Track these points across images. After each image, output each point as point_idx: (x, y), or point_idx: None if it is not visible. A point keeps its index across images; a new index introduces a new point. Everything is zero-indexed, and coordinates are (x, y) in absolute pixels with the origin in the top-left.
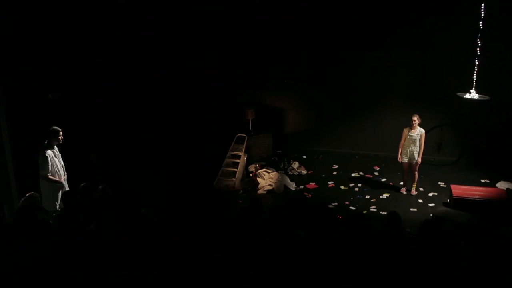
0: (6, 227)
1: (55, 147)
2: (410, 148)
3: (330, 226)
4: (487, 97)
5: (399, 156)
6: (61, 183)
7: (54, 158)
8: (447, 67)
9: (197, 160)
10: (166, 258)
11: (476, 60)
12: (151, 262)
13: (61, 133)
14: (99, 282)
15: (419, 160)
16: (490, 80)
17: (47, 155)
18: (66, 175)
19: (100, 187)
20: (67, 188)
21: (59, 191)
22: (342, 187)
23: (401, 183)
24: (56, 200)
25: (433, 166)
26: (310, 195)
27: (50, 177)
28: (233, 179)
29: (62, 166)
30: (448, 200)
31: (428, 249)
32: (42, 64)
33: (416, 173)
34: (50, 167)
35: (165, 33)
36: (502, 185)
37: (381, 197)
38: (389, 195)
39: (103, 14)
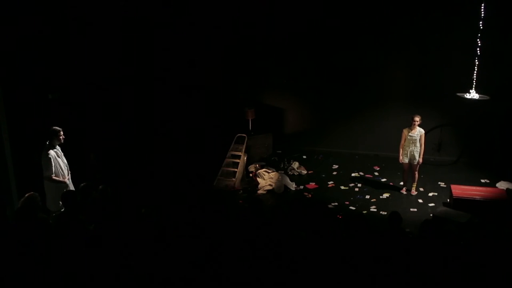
0: (6, 227)
1: (57, 146)
2: (411, 148)
3: (329, 226)
4: (487, 97)
5: (400, 157)
6: (65, 183)
7: (57, 158)
8: (447, 67)
9: (197, 160)
10: (166, 258)
11: (476, 60)
12: (151, 262)
13: (61, 132)
14: (99, 282)
15: (420, 160)
16: (490, 80)
17: (50, 156)
18: (69, 174)
19: (100, 187)
20: (71, 187)
21: (62, 191)
22: (342, 187)
23: (401, 183)
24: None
25: (433, 166)
26: (310, 195)
27: (54, 178)
28: (233, 179)
29: (66, 166)
30: (448, 200)
31: (428, 249)
32: (42, 64)
33: (416, 173)
34: (53, 167)
35: (165, 32)
36: (502, 185)
37: (381, 197)
38: (389, 195)
39: (101, 11)
